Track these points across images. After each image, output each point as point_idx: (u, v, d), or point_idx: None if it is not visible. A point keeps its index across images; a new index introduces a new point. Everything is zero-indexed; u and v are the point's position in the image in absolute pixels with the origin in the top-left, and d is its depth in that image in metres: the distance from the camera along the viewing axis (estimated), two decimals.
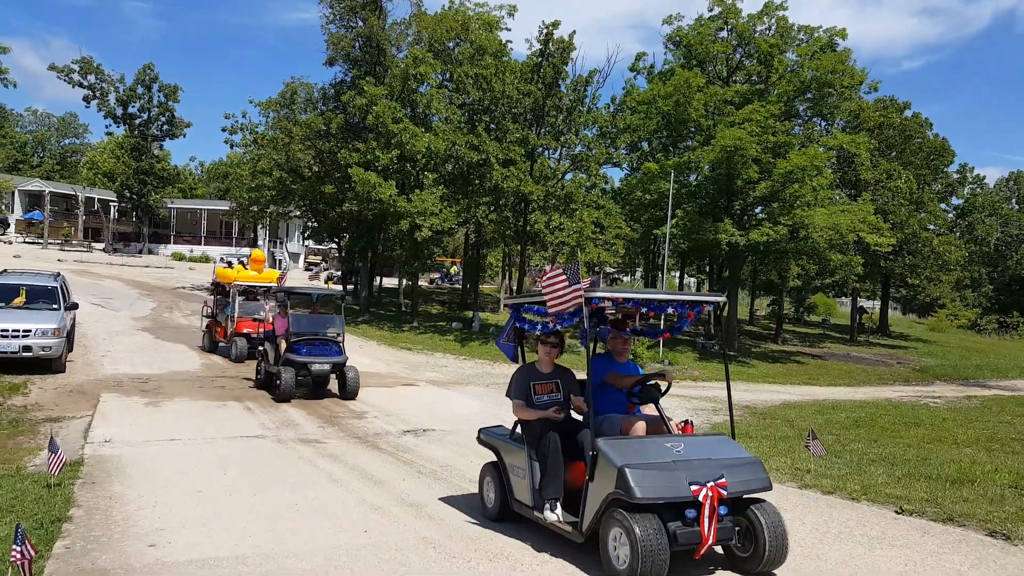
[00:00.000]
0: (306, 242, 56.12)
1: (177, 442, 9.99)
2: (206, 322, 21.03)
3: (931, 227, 45.51)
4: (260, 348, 15.59)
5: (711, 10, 35.02)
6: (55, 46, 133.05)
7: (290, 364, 13.81)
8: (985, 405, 20.21)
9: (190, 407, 12.71)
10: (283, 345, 14.24)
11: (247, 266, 22.34)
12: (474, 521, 7.02)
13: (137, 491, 7.53)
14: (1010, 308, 66.30)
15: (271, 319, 15.67)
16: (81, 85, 50.52)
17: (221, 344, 19.80)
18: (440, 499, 7.76)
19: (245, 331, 18.63)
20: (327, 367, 14.21)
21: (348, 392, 14.31)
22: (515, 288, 34.34)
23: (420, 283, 37.99)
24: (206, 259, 53.83)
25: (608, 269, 57.35)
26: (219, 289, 21.67)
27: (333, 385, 15.05)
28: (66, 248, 51.65)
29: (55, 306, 15.84)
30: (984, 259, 63.98)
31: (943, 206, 53.68)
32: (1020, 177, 76.56)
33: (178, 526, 6.52)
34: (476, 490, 8.11)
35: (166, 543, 6.11)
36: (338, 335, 15.06)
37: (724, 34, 34.99)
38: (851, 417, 15.88)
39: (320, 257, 57.03)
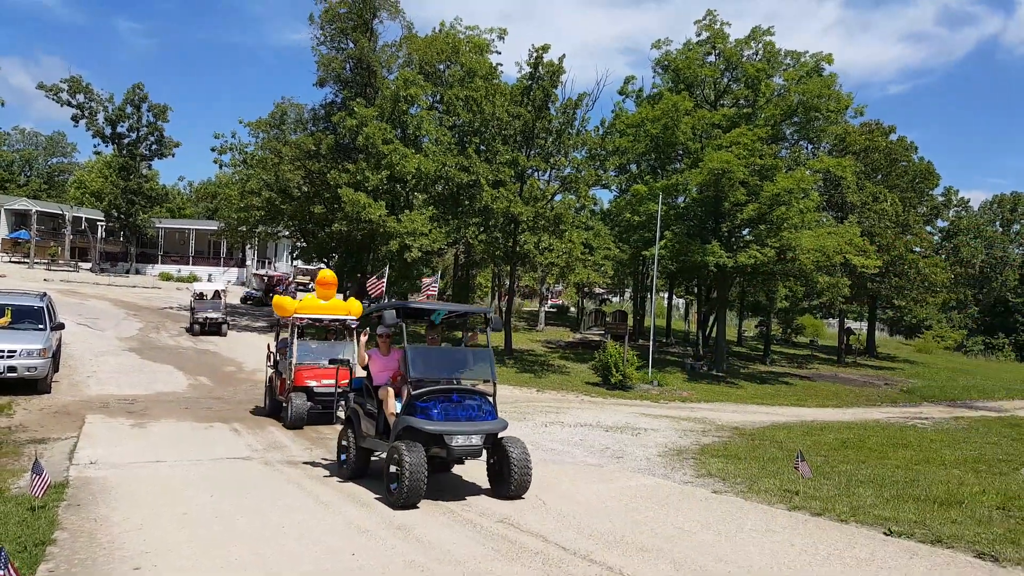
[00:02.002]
0: (295, 262, 55.99)
1: (163, 464, 9.90)
2: (269, 373, 15.55)
3: (917, 249, 45.94)
4: (344, 409, 10.46)
5: (699, 35, 35.53)
6: (46, 64, 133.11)
7: (411, 435, 8.35)
8: (972, 426, 20.30)
9: (177, 428, 12.61)
10: (390, 402, 8.91)
11: (295, 292, 18.23)
12: (463, 544, 6.97)
13: (122, 513, 7.45)
14: (995, 329, 66.92)
15: (365, 358, 9.79)
16: (70, 104, 50.50)
17: (283, 401, 14.25)
18: (426, 522, 7.71)
19: (308, 384, 13.66)
20: (476, 441, 8.56)
21: (514, 484, 8.59)
22: (505, 309, 34.33)
23: None
24: (193, 279, 53.59)
25: (597, 290, 57.50)
26: (281, 327, 16.19)
27: (472, 473, 9.77)
28: (52, 268, 51.35)
29: (41, 326, 15.74)
30: (969, 281, 64.63)
31: (928, 229, 54.31)
32: (1004, 200, 77.48)
33: (164, 549, 6.45)
34: (462, 512, 8.08)
35: (151, 566, 6.04)
36: (486, 381, 9.34)
37: (712, 59, 35.45)
38: (839, 438, 15.91)
39: (309, 277, 56.40)
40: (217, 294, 31.38)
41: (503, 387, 22.90)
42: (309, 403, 13.44)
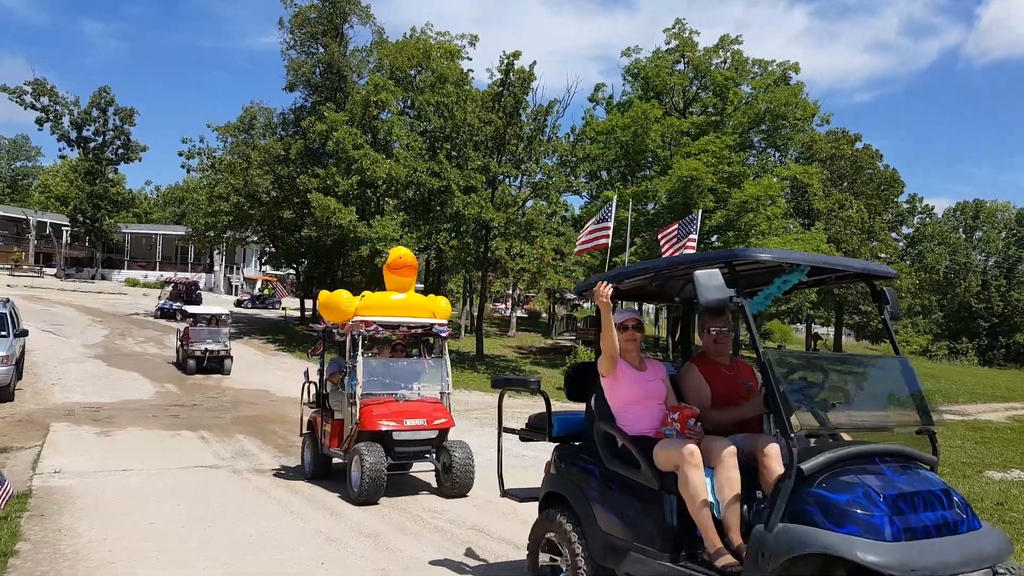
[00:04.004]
0: (263, 268, 55.45)
1: (130, 473, 9.78)
2: (309, 415, 10.63)
3: (882, 256, 46.78)
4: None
5: (668, 43, 35.94)
6: (9, 66, 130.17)
7: (805, 568, 3.50)
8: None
9: (143, 436, 12.45)
10: (694, 483, 4.08)
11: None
12: (433, 553, 6.99)
13: (87, 524, 7.36)
14: (959, 334, 68.31)
15: (614, 376, 4.93)
16: (34, 107, 49.70)
17: (336, 458, 9.71)
18: (396, 530, 7.71)
19: (383, 427, 8.91)
20: None
21: None
22: (476, 315, 34.35)
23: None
24: (161, 285, 52.89)
25: (569, 295, 57.67)
26: (328, 341, 10.63)
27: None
28: (16, 273, 50.31)
29: (3, 333, 15.43)
30: (934, 287, 65.97)
31: (894, 235, 55.31)
32: (967, 207, 79.15)
33: (129, 560, 6.38)
34: (432, 520, 8.08)
35: None
36: (920, 431, 4.49)
37: (681, 67, 35.87)
38: None
39: (271, 286, 54.54)
40: (216, 319, 22.64)
41: (474, 393, 22.50)
42: (387, 458, 8.73)
